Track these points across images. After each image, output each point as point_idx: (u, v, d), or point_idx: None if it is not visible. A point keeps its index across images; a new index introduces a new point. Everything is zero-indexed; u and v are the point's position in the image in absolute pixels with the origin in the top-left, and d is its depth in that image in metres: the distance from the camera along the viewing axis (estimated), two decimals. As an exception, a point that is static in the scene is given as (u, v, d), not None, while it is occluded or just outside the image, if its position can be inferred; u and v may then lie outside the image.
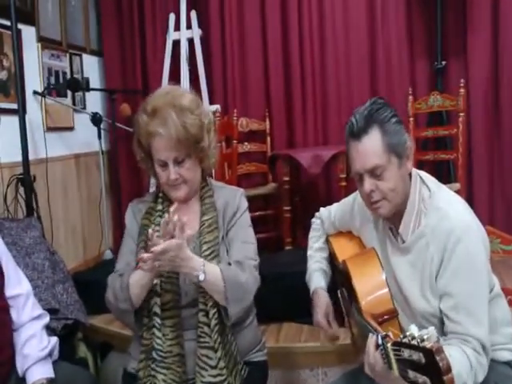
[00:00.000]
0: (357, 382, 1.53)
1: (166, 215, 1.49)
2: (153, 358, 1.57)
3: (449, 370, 1.00)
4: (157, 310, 1.57)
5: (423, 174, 1.52)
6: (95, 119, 3.44)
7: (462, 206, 1.45)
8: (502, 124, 3.58)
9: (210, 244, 1.61)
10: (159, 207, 1.69)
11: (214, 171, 3.41)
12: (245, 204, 1.72)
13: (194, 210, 1.70)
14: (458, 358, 1.28)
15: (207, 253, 1.59)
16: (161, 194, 1.71)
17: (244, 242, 1.66)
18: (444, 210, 1.42)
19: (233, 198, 1.70)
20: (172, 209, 1.48)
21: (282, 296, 2.55)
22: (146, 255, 1.45)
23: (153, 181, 3.12)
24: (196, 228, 1.65)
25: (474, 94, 3.59)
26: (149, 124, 1.59)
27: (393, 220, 1.51)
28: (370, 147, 1.40)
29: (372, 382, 1.28)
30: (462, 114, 3.26)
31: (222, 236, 1.65)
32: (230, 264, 1.59)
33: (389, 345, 1.12)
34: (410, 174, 1.48)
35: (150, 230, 1.54)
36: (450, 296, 1.37)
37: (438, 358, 0.99)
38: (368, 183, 1.42)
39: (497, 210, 3.60)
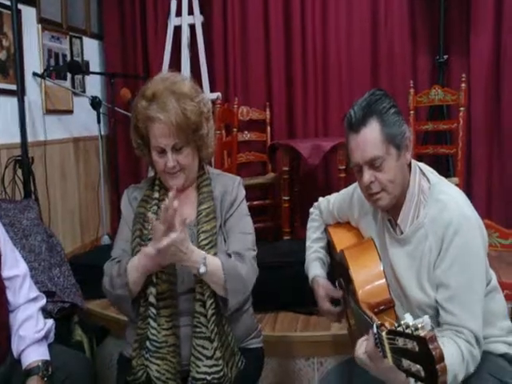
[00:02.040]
0: (351, 372, 1.53)
1: (167, 201, 1.46)
2: (147, 347, 1.55)
3: (441, 358, 1.00)
4: (152, 299, 1.55)
5: (423, 165, 1.51)
6: (94, 103, 3.41)
7: (462, 199, 1.45)
8: (502, 119, 3.58)
9: (208, 234, 1.59)
10: (156, 195, 1.67)
11: (213, 160, 3.41)
12: (242, 193, 1.70)
13: (191, 198, 1.68)
14: (451, 349, 1.29)
15: (205, 242, 1.58)
16: (157, 182, 1.69)
17: (242, 232, 1.64)
18: (443, 201, 1.41)
19: (231, 187, 1.68)
20: (171, 195, 1.46)
21: (279, 285, 2.55)
22: (150, 251, 1.44)
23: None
24: (193, 217, 1.63)
25: (474, 89, 3.58)
26: (148, 109, 1.56)
27: (391, 211, 1.50)
28: (369, 138, 1.40)
29: (365, 371, 1.28)
30: (462, 109, 3.26)
31: (219, 225, 1.64)
32: (229, 255, 1.58)
33: (383, 333, 1.12)
34: (410, 165, 1.47)
35: (150, 214, 1.53)
36: (446, 287, 1.38)
37: (431, 347, 1.00)
38: (367, 174, 1.42)
39: (495, 205, 3.61)
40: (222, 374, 1.53)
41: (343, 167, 3.37)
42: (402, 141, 1.42)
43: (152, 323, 1.54)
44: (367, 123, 1.40)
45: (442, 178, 1.50)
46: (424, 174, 1.49)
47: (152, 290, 1.55)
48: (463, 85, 3.25)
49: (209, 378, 1.52)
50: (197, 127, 1.59)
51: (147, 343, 1.55)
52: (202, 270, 1.49)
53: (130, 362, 1.59)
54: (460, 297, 1.36)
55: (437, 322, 1.41)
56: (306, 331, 2.39)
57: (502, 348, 1.48)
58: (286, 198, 3.52)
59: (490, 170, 3.64)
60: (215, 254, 1.56)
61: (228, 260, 1.56)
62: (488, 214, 3.48)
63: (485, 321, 1.39)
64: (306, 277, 1.78)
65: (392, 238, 1.51)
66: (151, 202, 1.66)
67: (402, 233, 1.48)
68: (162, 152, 1.58)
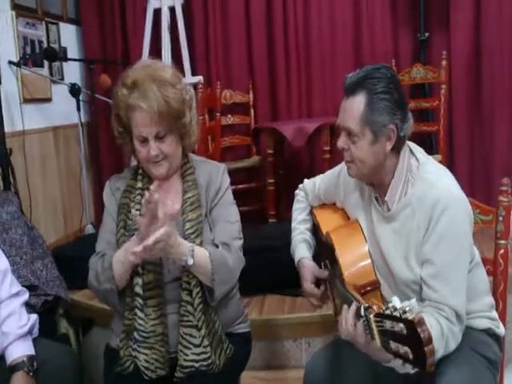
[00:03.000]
0: (339, 353, 1.55)
1: (147, 193, 1.44)
2: (134, 338, 1.55)
3: (430, 341, 1.02)
4: (138, 290, 1.54)
5: (412, 145, 1.51)
6: (73, 90, 3.35)
7: (449, 178, 1.45)
8: (483, 96, 3.60)
9: (193, 222, 1.58)
10: (139, 185, 1.65)
11: (196, 146, 3.38)
12: (227, 181, 1.69)
13: (175, 187, 1.66)
14: (432, 326, 1.28)
15: (190, 231, 1.57)
16: (140, 171, 1.67)
17: (228, 221, 1.63)
18: (431, 180, 1.42)
19: (215, 175, 1.67)
20: (153, 187, 1.43)
21: (265, 268, 2.56)
22: (138, 249, 1.41)
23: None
24: (178, 206, 1.61)
25: (455, 66, 3.60)
26: (129, 97, 1.53)
27: (379, 189, 1.51)
28: (351, 109, 1.41)
29: (353, 351, 1.30)
30: (443, 86, 3.27)
31: (204, 213, 1.63)
32: (216, 245, 1.58)
33: (371, 316, 1.13)
34: (398, 149, 1.46)
35: (133, 211, 1.52)
36: (431, 263, 1.39)
37: (419, 330, 1.01)
38: (342, 140, 1.45)
39: (476, 182, 3.64)
40: (210, 361, 1.53)
41: (328, 148, 3.37)
42: (381, 129, 1.40)
43: (139, 313, 1.54)
44: (356, 94, 1.40)
45: (430, 158, 1.50)
46: (413, 153, 1.49)
47: (138, 280, 1.55)
48: (444, 62, 3.25)
49: (197, 365, 1.53)
50: (179, 115, 1.57)
51: (135, 334, 1.55)
52: (190, 262, 1.49)
53: (117, 353, 1.59)
54: (444, 274, 1.37)
55: (421, 298, 1.42)
56: (294, 313, 2.41)
57: (484, 323, 1.51)
58: (271, 180, 3.53)
59: (471, 147, 3.67)
60: (201, 243, 1.56)
61: (215, 251, 1.55)
62: (470, 190, 3.51)
63: (468, 297, 1.41)
64: (291, 259, 1.78)
65: (379, 215, 1.51)
66: (134, 191, 1.64)
67: (388, 210, 1.48)
68: (145, 141, 1.55)
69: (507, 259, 1.60)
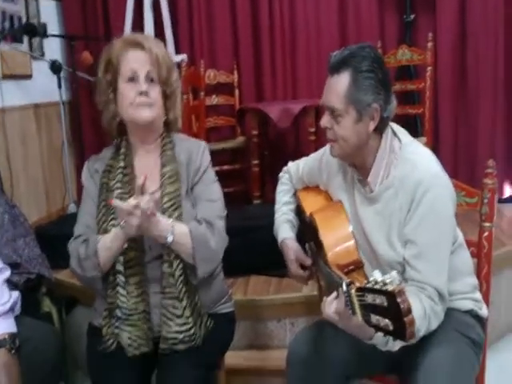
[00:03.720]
0: (322, 332, 1.56)
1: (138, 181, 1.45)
2: (117, 315, 1.55)
3: (409, 311, 1.02)
4: (119, 267, 1.54)
5: (395, 126, 1.51)
6: (54, 67, 3.28)
7: (432, 159, 1.46)
8: (468, 79, 3.62)
9: (171, 196, 1.57)
10: (121, 164, 1.63)
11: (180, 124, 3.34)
12: (208, 158, 1.68)
13: (155, 162, 1.64)
14: (415, 305, 1.28)
15: (168, 205, 1.56)
16: (123, 150, 1.65)
17: (211, 200, 1.63)
18: (413, 161, 1.42)
19: (196, 152, 1.65)
20: (140, 182, 1.44)
21: (249, 249, 2.56)
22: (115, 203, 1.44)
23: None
24: (157, 180, 1.60)
25: (441, 48, 3.60)
26: (128, 39, 1.61)
27: (361, 171, 1.51)
28: (335, 87, 1.41)
29: (337, 332, 1.30)
30: (429, 68, 3.27)
31: (186, 190, 1.61)
32: (198, 221, 1.57)
33: (353, 291, 1.14)
34: (381, 130, 1.45)
35: (114, 200, 1.49)
36: (413, 243, 1.40)
37: (399, 300, 1.01)
38: (325, 119, 1.45)
39: (460, 164, 3.67)
40: (192, 331, 1.53)
41: (313, 130, 3.36)
42: (365, 109, 1.40)
43: (121, 291, 1.53)
44: (340, 72, 1.40)
45: (414, 140, 1.50)
46: (396, 134, 1.49)
47: (120, 258, 1.54)
48: (430, 44, 3.25)
49: (180, 336, 1.53)
50: (169, 71, 1.61)
51: (117, 311, 1.54)
52: (170, 238, 1.50)
53: (100, 332, 1.58)
54: (426, 254, 1.38)
55: (404, 278, 1.43)
56: (278, 293, 2.41)
57: (467, 304, 1.52)
58: (256, 161, 3.52)
59: (456, 130, 3.70)
60: (180, 216, 1.55)
61: (198, 228, 1.55)
62: (454, 173, 3.54)
63: (451, 277, 1.43)
64: (276, 240, 1.78)
65: (362, 196, 1.51)
66: (115, 171, 1.62)
67: (371, 191, 1.48)
68: (133, 80, 1.57)
69: (491, 241, 1.61)
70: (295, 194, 1.82)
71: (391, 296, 1.03)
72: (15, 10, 3.36)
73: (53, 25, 3.85)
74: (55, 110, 3.56)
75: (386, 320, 1.05)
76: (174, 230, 1.50)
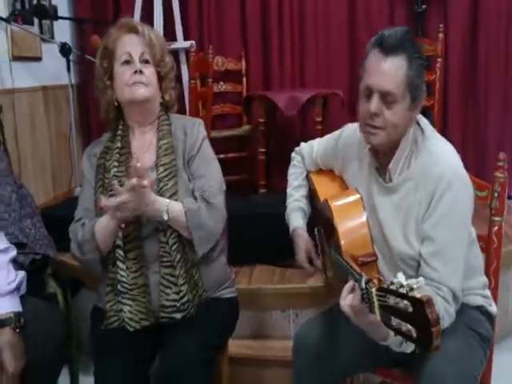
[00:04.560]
0: (330, 322, 1.55)
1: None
2: (118, 290, 1.57)
3: (437, 321, 0.99)
4: (119, 242, 1.57)
5: (420, 117, 1.47)
6: (64, 50, 3.27)
7: (454, 155, 1.43)
8: (478, 70, 3.59)
9: (167, 166, 1.62)
10: (118, 144, 1.67)
11: (187, 111, 3.34)
12: (204, 133, 1.73)
13: (151, 139, 1.69)
14: None
15: (163, 175, 1.60)
16: (119, 132, 1.69)
17: (208, 175, 1.65)
18: (436, 154, 1.39)
19: (191, 127, 1.70)
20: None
21: (254, 238, 2.55)
22: (103, 203, 1.48)
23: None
24: (154, 156, 1.65)
25: (452, 40, 3.56)
26: (123, 25, 1.67)
27: (381, 158, 1.48)
28: (393, 71, 1.33)
29: (346, 322, 1.28)
30: (439, 60, 3.24)
31: (182, 163, 1.65)
32: (195, 198, 1.60)
33: (373, 290, 1.11)
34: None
35: (113, 171, 1.58)
36: (431, 241, 1.38)
37: (428, 310, 0.98)
38: (376, 103, 1.35)
39: (470, 156, 3.65)
40: (185, 299, 1.56)
41: (320, 119, 3.35)
42: (419, 95, 1.37)
43: (121, 265, 1.57)
44: (398, 55, 1.33)
45: (436, 132, 1.47)
46: (420, 125, 1.45)
47: (118, 233, 1.57)
48: (440, 35, 3.22)
49: (178, 304, 1.55)
50: (162, 53, 1.68)
51: (118, 286, 1.57)
52: (165, 217, 1.53)
53: (103, 314, 1.60)
54: (444, 253, 1.36)
55: (417, 274, 1.41)
56: (283, 283, 2.41)
57: (478, 300, 1.51)
58: (262, 150, 3.51)
59: (465, 121, 3.67)
60: (175, 185, 1.59)
61: (193, 206, 1.57)
62: (464, 165, 3.51)
63: (463, 273, 1.41)
64: (282, 230, 1.77)
65: (379, 186, 1.48)
66: (112, 152, 1.66)
67: (390, 180, 1.45)
68: (128, 63, 1.63)
69: (501, 236, 1.58)
70: (307, 177, 1.80)
71: (419, 303, 0.99)
72: (26, -8, 3.35)
73: (63, 8, 3.85)
74: (63, 93, 3.57)
75: (409, 326, 1.02)
76: (169, 209, 1.53)
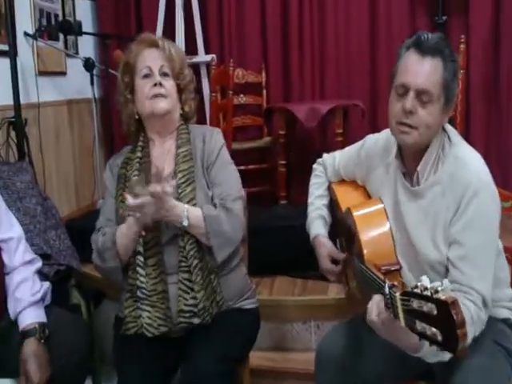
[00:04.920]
0: (354, 332, 1.53)
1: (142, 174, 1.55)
2: (137, 296, 1.59)
3: (463, 323, 0.97)
4: (139, 248, 1.59)
5: (446, 124, 1.47)
6: (88, 64, 3.34)
7: (481, 162, 1.42)
8: (501, 82, 3.54)
9: (185, 172, 1.64)
10: (138, 154, 1.70)
11: (208, 122, 3.37)
12: (222, 140, 1.75)
13: (170, 148, 1.72)
14: None
15: (182, 181, 1.63)
16: (140, 143, 1.72)
17: (226, 182, 1.67)
18: (463, 160, 1.39)
19: (209, 135, 1.73)
20: (155, 170, 1.50)
21: (275, 249, 2.56)
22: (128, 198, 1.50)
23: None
24: (173, 164, 1.68)
25: (474, 51, 3.52)
26: (143, 40, 1.72)
27: (408, 163, 1.47)
28: (432, 70, 1.33)
29: (370, 333, 1.27)
30: (461, 71, 3.20)
31: (201, 169, 1.67)
32: (214, 205, 1.62)
33: (397, 294, 1.10)
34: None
35: (133, 178, 1.61)
36: (460, 245, 1.36)
37: (453, 311, 0.96)
38: (412, 101, 1.34)
39: (492, 168, 3.56)
40: (200, 306, 1.56)
41: (340, 131, 3.34)
42: (452, 97, 1.37)
43: (141, 271, 1.59)
44: (434, 56, 1.34)
45: (463, 140, 1.46)
46: (446, 131, 1.45)
47: (139, 240, 1.59)
48: (462, 46, 3.19)
49: (195, 309, 1.56)
50: (182, 67, 1.72)
51: (138, 292, 1.59)
52: (185, 223, 1.55)
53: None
54: (473, 257, 1.34)
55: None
56: (304, 295, 2.40)
57: (504, 313, 1.48)
58: (282, 161, 3.50)
59: (487, 133, 3.62)
60: (193, 190, 1.62)
61: (212, 213, 1.59)
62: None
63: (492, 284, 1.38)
64: (303, 241, 1.77)
65: (406, 190, 1.47)
66: (132, 162, 1.70)
67: (418, 184, 1.44)
68: (148, 76, 1.67)
69: (526, 248, 1.55)
70: (329, 187, 1.79)
71: (444, 305, 0.97)
72: (52, 8, 3.44)
73: (87, 23, 3.92)
74: (87, 107, 3.63)
75: (434, 329, 1.00)
76: (189, 215, 1.55)
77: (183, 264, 1.58)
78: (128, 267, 1.63)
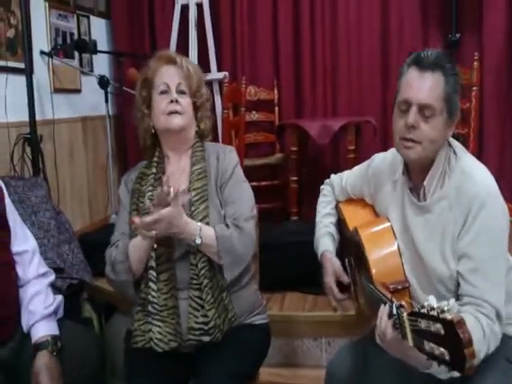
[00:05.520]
0: (364, 351, 1.52)
1: (159, 189, 1.52)
2: (149, 310, 1.59)
3: (470, 342, 0.97)
4: (152, 263, 1.59)
5: (451, 139, 1.47)
6: (102, 82, 3.40)
7: (488, 174, 1.41)
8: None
9: (199, 190, 1.64)
10: (153, 170, 1.71)
11: (220, 139, 3.40)
12: (236, 159, 1.76)
13: (185, 165, 1.73)
14: (472, 325, 1.23)
15: (196, 198, 1.63)
16: (155, 159, 1.73)
17: (239, 200, 1.67)
18: (469, 173, 1.39)
19: (223, 153, 1.74)
20: (165, 178, 1.51)
21: (286, 265, 2.56)
22: (136, 221, 1.50)
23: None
24: (187, 181, 1.68)
25: (487, 68, 3.51)
26: (162, 57, 1.74)
27: (415, 178, 1.47)
28: (432, 85, 1.35)
29: (380, 351, 1.26)
30: (475, 88, 3.20)
31: (214, 187, 1.67)
32: (227, 225, 1.62)
33: (404, 314, 1.10)
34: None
35: (148, 204, 1.59)
36: (469, 258, 1.35)
37: (459, 331, 0.96)
38: (414, 116, 1.35)
39: (505, 186, 3.55)
40: (211, 324, 1.55)
41: (353, 148, 3.34)
42: (455, 111, 1.38)
43: (153, 286, 1.58)
44: (435, 71, 1.35)
45: (468, 153, 1.46)
46: (451, 145, 1.45)
47: (152, 253, 1.60)
48: (476, 63, 3.19)
49: (206, 327, 1.55)
50: (199, 85, 1.73)
51: (149, 307, 1.59)
52: (198, 241, 1.55)
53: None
54: (483, 269, 1.33)
55: (457, 295, 1.38)
56: (314, 311, 2.39)
57: None
58: (294, 178, 3.51)
59: (501, 150, 3.59)
60: (206, 208, 1.62)
61: (224, 232, 1.59)
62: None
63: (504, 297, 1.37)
64: (313, 257, 1.76)
65: (413, 205, 1.47)
66: (147, 177, 1.71)
67: (424, 199, 1.44)
68: (165, 92, 1.69)
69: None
70: (337, 207, 1.80)
71: (450, 325, 0.97)
72: (68, 27, 3.52)
73: (102, 42, 4.00)
74: (101, 123, 3.69)
75: (442, 349, 1.00)
76: (202, 233, 1.55)
77: (194, 281, 1.58)
78: (140, 281, 1.63)
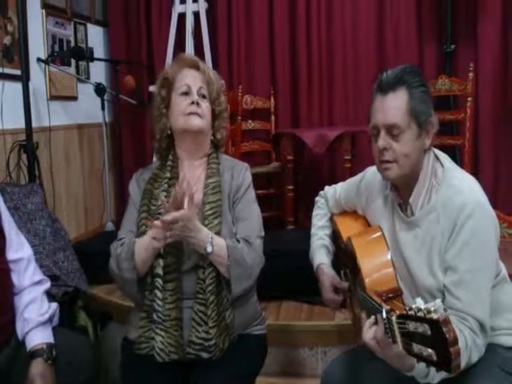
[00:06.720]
0: (357, 361, 1.52)
1: (177, 187, 1.50)
2: (153, 319, 1.58)
3: (455, 341, 0.98)
4: (159, 271, 1.57)
5: (437, 151, 1.49)
6: (99, 90, 3.40)
7: (475, 185, 1.43)
8: (510, 109, 3.54)
9: (213, 205, 1.63)
10: (167, 175, 1.70)
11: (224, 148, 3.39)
12: (249, 178, 1.74)
13: (199, 175, 1.71)
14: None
15: (209, 213, 1.61)
16: (169, 163, 1.72)
17: (250, 219, 1.66)
18: (457, 186, 1.39)
19: (238, 171, 1.72)
20: (180, 178, 1.50)
21: (282, 274, 2.55)
22: (156, 222, 1.48)
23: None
24: (201, 192, 1.66)
25: (482, 79, 3.54)
26: (185, 58, 1.75)
27: (402, 194, 1.48)
28: (394, 105, 1.38)
29: (374, 360, 1.27)
30: (470, 99, 3.22)
31: (227, 203, 1.66)
32: (237, 240, 1.60)
33: (393, 318, 1.11)
34: (427, 150, 1.44)
35: (163, 197, 1.58)
36: (454, 270, 1.36)
37: (444, 330, 0.97)
38: (383, 140, 1.40)
39: (501, 197, 3.58)
40: (211, 342, 1.54)
41: (348, 157, 3.34)
42: (425, 121, 1.39)
43: (158, 294, 1.57)
44: (396, 89, 1.38)
45: (455, 165, 1.48)
46: (438, 158, 1.46)
47: (160, 261, 1.58)
48: (471, 74, 3.21)
49: (206, 344, 1.54)
50: (218, 92, 1.74)
51: (154, 315, 1.57)
52: (209, 249, 1.53)
53: (135, 344, 1.60)
54: (467, 282, 1.34)
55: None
56: (310, 320, 2.39)
57: (511, 341, 1.45)
58: (290, 187, 3.51)
59: (496, 161, 3.61)
60: (220, 224, 1.60)
61: (235, 244, 1.57)
62: (495, 205, 3.44)
63: (494, 312, 1.38)
64: (309, 266, 1.77)
65: (402, 221, 1.48)
66: (161, 180, 1.69)
67: (412, 215, 1.45)
68: (186, 94, 1.68)
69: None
70: (331, 219, 1.81)
71: (436, 325, 0.98)
72: (65, 35, 3.52)
73: (99, 49, 4.01)
74: (97, 131, 3.69)
75: (429, 349, 1.01)
76: (213, 241, 1.53)
77: (200, 296, 1.57)
78: (146, 287, 1.61)
